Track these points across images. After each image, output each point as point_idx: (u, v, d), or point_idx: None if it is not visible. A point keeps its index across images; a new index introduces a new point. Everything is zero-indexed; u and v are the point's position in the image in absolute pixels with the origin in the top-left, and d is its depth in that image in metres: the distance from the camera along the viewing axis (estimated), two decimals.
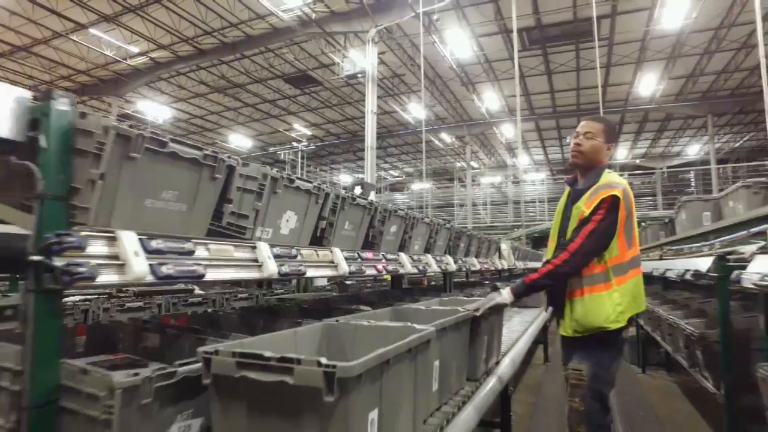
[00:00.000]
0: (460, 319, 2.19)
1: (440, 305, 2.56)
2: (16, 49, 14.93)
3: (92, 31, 13.93)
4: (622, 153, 26.70)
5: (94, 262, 1.11)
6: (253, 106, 20.45)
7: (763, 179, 4.15)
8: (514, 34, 11.62)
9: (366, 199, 2.48)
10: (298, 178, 1.86)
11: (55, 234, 1.07)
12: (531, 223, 20.19)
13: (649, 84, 16.65)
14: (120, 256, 1.19)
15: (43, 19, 13.43)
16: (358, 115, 20.46)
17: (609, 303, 2.13)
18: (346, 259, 2.12)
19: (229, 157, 1.52)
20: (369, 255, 2.42)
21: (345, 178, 30.92)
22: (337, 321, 1.83)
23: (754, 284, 2.19)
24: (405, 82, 17.70)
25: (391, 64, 16.26)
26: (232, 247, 1.51)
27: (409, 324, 1.75)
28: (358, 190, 12.43)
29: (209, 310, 3.21)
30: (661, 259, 5.53)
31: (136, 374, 1.09)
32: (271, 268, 1.59)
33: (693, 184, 23.80)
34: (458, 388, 2.28)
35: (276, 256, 1.65)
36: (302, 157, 23.93)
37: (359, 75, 13.36)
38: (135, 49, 15.23)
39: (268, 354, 1.16)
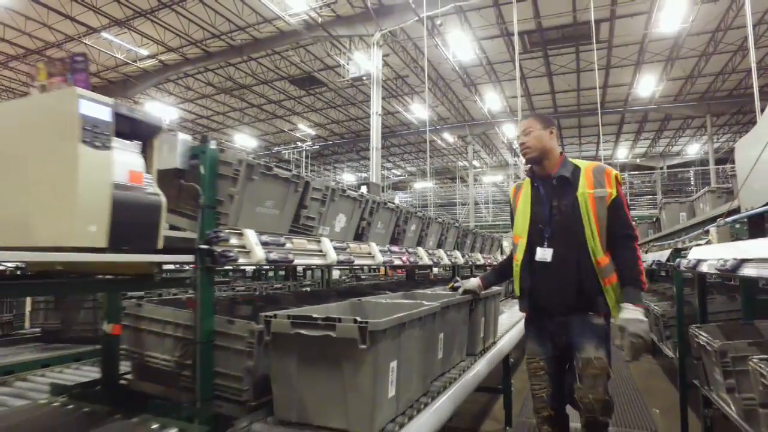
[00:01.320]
0: (460, 301, 2.58)
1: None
2: (29, 53, 15.34)
3: (104, 34, 14.30)
4: (622, 152, 27.07)
5: (235, 250, 1.58)
6: (259, 107, 20.85)
7: (725, 185, 4.61)
8: (515, 38, 11.99)
9: (394, 204, 2.95)
10: (348, 188, 2.36)
11: (213, 231, 1.57)
12: None
13: (648, 85, 17.03)
14: (246, 246, 1.68)
15: (57, 23, 13.82)
16: (361, 115, 20.87)
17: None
18: (380, 251, 2.58)
19: (306, 175, 1.99)
20: (396, 249, 2.88)
21: (348, 178, 31.33)
22: (359, 300, 2.23)
23: (685, 268, 2.69)
24: (408, 83, 18.10)
25: (395, 66, 16.65)
26: (306, 241, 2.02)
27: (418, 301, 2.18)
28: (364, 190, 12.84)
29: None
30: (646, 253, 6.07)
31: (261, 324, 1.55)
32: (332, 257, 2.07)
33: (693, 183, 24.19)
34: (459, 360, 2.69)
35: (334, 248, 2.12)
36: (306, 157, 24.35)
37: (364, 78, 13.75)
38: (145, 52, 15.61)
39: (315, 315, 1.61)
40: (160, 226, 1.35)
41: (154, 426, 1.57)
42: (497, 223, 23.09)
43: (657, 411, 4.17)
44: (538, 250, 2.22)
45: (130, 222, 1.23)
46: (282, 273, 6.37)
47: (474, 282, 2.66)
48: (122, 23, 13.97)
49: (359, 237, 2.61)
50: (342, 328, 1.54)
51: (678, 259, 2.85)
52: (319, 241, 2.11)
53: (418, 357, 1.95)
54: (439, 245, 4.12)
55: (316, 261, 2.00)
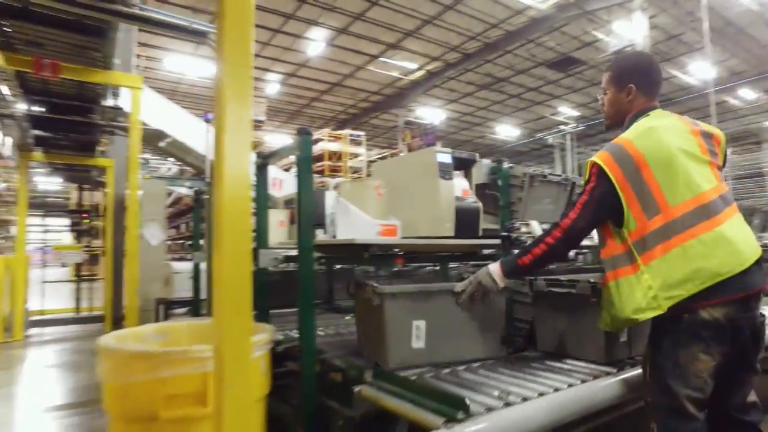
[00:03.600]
0: None
1: None
2: (333, 86, 19.31)
3: (381, 58, 16.96)
4: None
5: (525, 235, 2.29)
6: (518, 96, 21.25)
7: None
8: None
9: None
10: None
11: (510, 223, 2.35)
12: None
13: None
14: (532, 233, 2.48)
15: (350, 57, 17.03)
16: None
17: (638, 288, 1.70)
18: None
19: (571, 176, 2.60)
20: None
21: None
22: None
23: None
24: (683, 41, 15.88)
25: (665, 26, 14.87)
26: None
27: None
28: None
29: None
30: None
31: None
32: None
33: None
34: None
35: None
36: (571, 139, 23.63)
37: (628, 48, 12.79)
38: (414, 66, 17.81)
39: (562, 278, 2.35)
40: (480, 222, 2.18)
41: None
42: None
43: None
44: None
45: (465, 220, 2.12)
46: None
47: None
48: (394, 46, 16.30)
49: None
50: (580, 287, 2.22)
51: None
52: None
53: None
54: None
55: (584, 242, 2.54)
